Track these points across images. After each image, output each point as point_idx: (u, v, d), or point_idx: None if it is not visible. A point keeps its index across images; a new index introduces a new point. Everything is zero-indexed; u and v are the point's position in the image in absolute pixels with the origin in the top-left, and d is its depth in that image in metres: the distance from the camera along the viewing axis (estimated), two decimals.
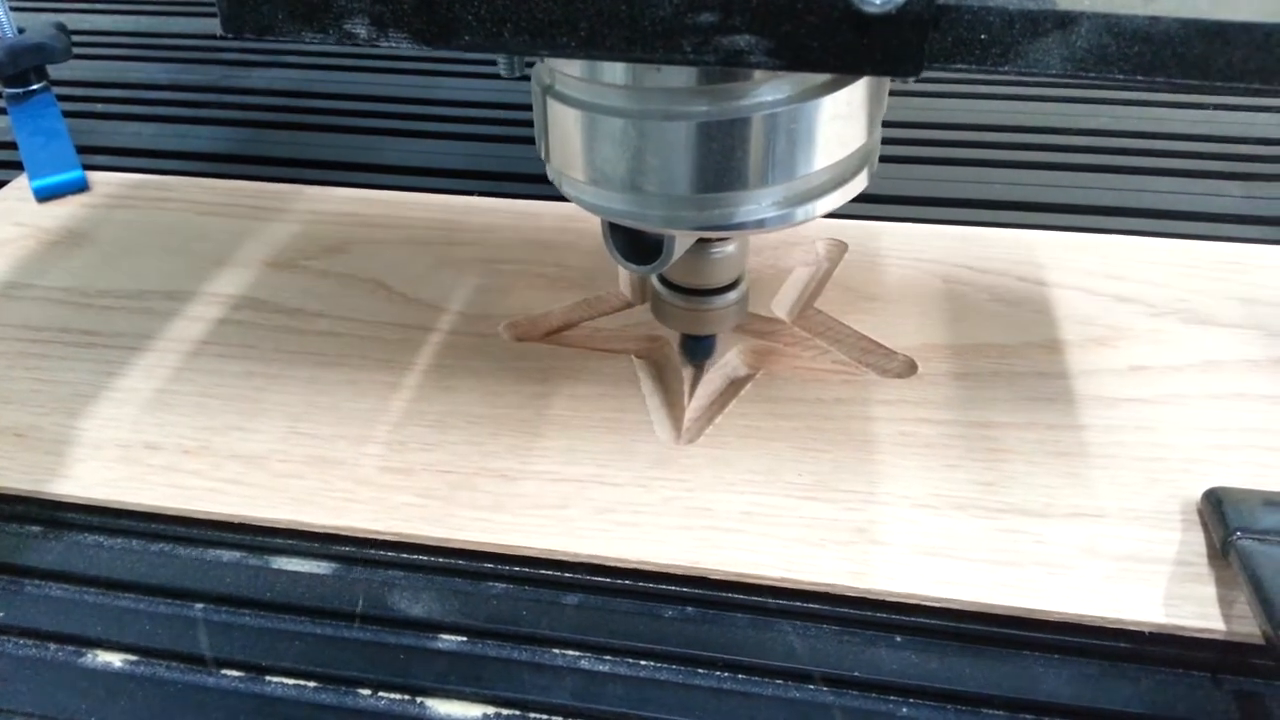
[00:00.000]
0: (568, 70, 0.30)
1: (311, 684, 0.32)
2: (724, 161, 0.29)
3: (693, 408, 0.39)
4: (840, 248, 0.47)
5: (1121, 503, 0.34)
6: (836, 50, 0.25)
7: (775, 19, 0.25)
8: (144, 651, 0.33)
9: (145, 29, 0.76)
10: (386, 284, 0.46)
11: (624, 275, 0.46)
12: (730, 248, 0.36)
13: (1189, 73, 0.25)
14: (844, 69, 0.26)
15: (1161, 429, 0.37)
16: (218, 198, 0.53)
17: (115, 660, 0.33)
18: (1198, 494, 0.34)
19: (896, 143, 0.58)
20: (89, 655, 0.33)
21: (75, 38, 0.61)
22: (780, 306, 0.44)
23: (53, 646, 0.33)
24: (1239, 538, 0.31)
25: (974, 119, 0.60)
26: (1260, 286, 0.44)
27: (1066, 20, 0.24)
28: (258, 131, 0.62)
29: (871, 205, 0.52)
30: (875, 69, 0.25)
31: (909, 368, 0.40)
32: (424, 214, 0.51)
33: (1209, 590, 0.32)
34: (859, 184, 0.32)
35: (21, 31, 0.57)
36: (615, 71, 0.29)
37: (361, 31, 0.27)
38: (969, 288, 0.45)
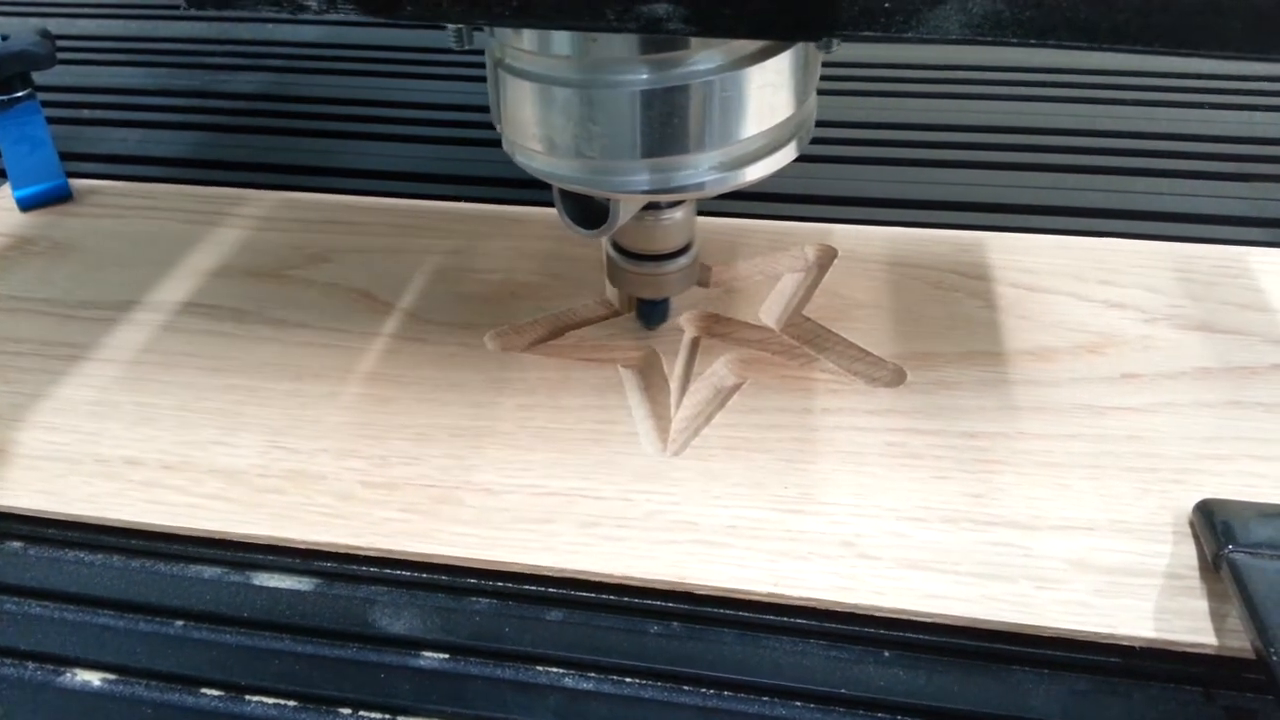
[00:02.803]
0: (517, 43, 0.32)
1: (291, 703, 0.32)
2: (664, 127, 0.31)
3: (679, 418, 0.39)
4: (829, 253, 0.47)
5: (1112, 515, 0.34)
6: (744, 16, 0.27)
7: None
8: (123, 670, 0.33)
9: (130, 34, 0.76)
10: (371, 293, 0.46)
11: (610, 285, 0.46)
12: (679, 213, 0.38)
13: (1078, 35, 0.26)
14: (756, 34, 0.28)
15: (1153, 438, 0.37)
16: (202, 205, 0.53)
17: (94, 679, 0.32)
18: (1189, 505, 0.34)
19: (886, 144, 0.57)
20: (67, 674, 0.33)
21: (60, 43, 0.61)
22: (768, 314, 0.44)
23: (31, 665, 0.33)
24: (1231, 551, 0.31)
25: (964, 120, 0.59)
26: (1255, 291, 0.44)
27: None
28: (244, 137, 0.62)
29: (861, 209, 0.51)
30: (784, 34, 0.28)
31: (898, 376, 0.40)
32: (410, 220, 0.51)
33: (1201, 604, 0.31)
34: (790, 152, 0.35)
35: (5, 38, 0.56)
36: (561, 43, 0.31)
37: (312, 3, 0.28)
38: (959, 294, 0.44)
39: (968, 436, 0.37)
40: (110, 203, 0.53)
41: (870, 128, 0.59)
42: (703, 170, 0.33)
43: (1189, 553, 0.33)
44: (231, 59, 0.72)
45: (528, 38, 0.32)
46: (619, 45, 0.31)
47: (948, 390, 0.39)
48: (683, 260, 0.39)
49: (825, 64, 0.65)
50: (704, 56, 0.31)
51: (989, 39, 0.26)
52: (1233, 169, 0.54)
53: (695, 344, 0.42)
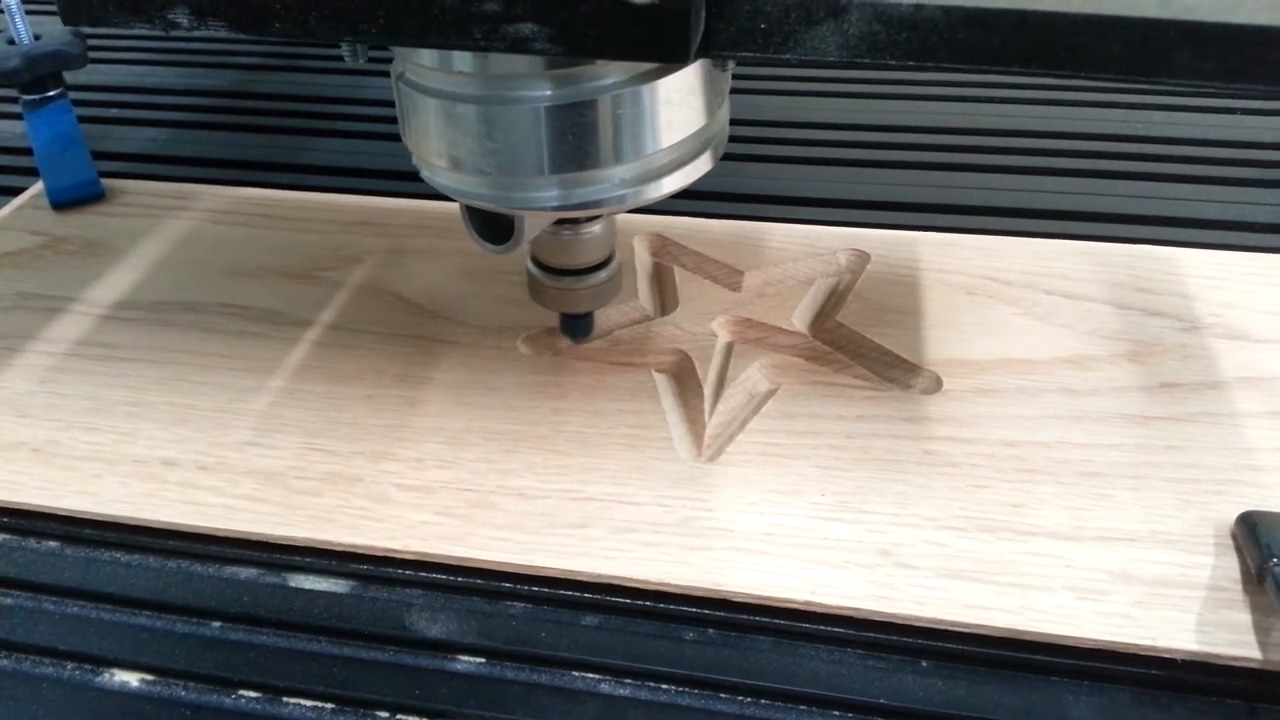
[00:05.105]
0: (416, 58, 0.32)
1: (329, 706, 0.32)
2: (567, 143, 0.31)
3: (713, 424, 0.39)
4: (862, 258, 0.47)
5: (1153, 525, 0.34)
6: (611, 38, 0.27)
7: (553, 8, 0.27)
8: (161, 671, 0.33)
9: (161, 34, 0.76)
10: (403, 295, 0.46)
11: (643, 289, 0.46)
12: (596, 228, 0.37)
13: (956, 58, 0.26)
14: (619, 56, 0.28)
15: (1194, 449, 0.37)
16: (234, 206, 0.53)
17: (132, 679, 0.33)
18: (1231, 516, 0.34)
19: (919, 148, 0.57)
20: (105, 674, 0.33)
21: (91, 42, 0.61)
22: (801, 319, 0.44)
23: (69, 665, 0.33)
24: (1276, 564, 0.31)
25: (996, 124, 0.59)
26: None
27: (838, 9, 0.26)
28: (275, 137, 0.62)
29: (894, 214, 0.51)
30: (647, 56, 0.28)
31: (934, 383, 0.40)
32: (441, 223, 0.51)
33: (1244, 617, 0.31)
34: (704, 164, 0.34)
35: (38, 38, 0.57)
36: (458, 59, 0.31)
37: (183, 20, 0.29)
38: (993, 300, 0.44)
39: (1006, 445, 0.37)
40: (142, 202, 0.54)
41: (896, 131, 0.59)
42: (610, 186, 0.32)
43: (1232, 565, 0.33)
44: (262, 59, 0.72)
45: (426, 53, 0.32)
46: (517, 61, 0.30)
47: (985, 398, 0.39)
48: (602, 274, 0.39)
49: (851, 66, 0.65)
50: (606, 72, 0.30)
51: (867, 61, 0.27)
52: (1264, 175, 0.53)
53: (729, 349, 0.42)
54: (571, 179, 0.32)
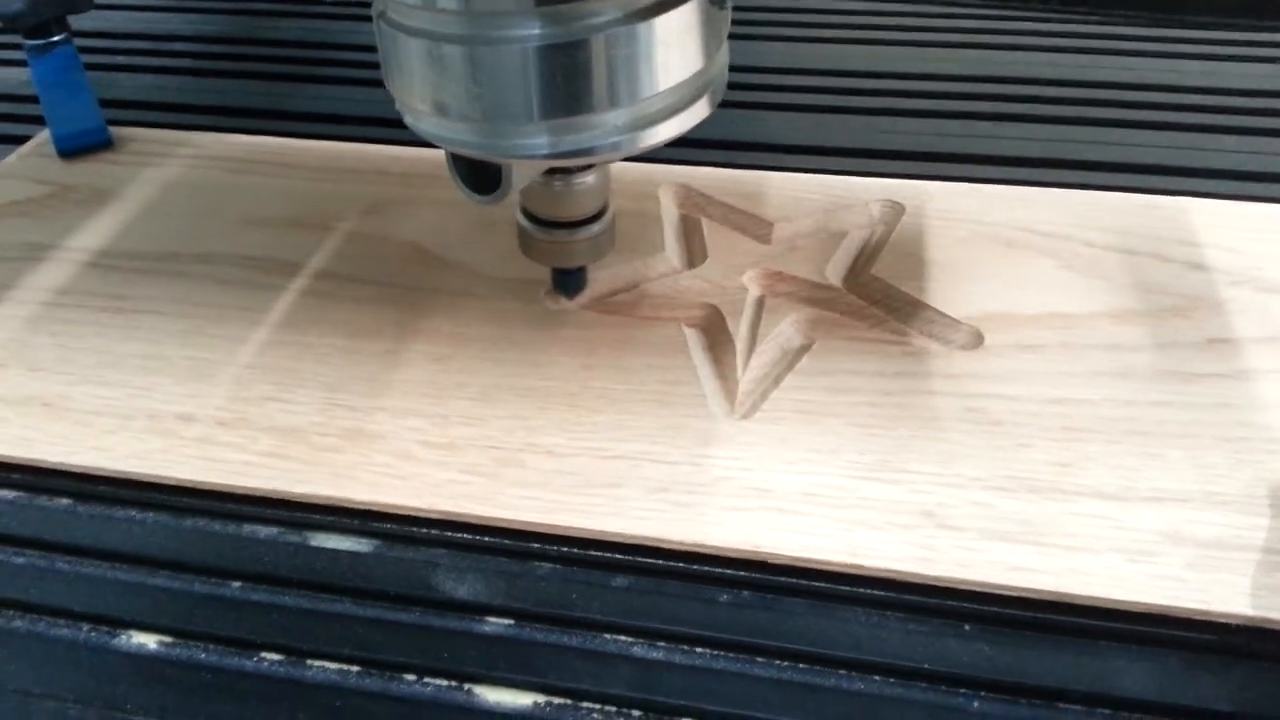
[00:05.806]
0: None
1: (354, 668, 0.31)
2: (556, 87, 0.29)
3: (747, 380, 0.37)
4: (897, 210, 0.45)
5: (1205, 486, 0.33)
6: None
7: None
8: (180, 633, 0.32)
9: None
10: (422, 246, 0.44)
11: (670, 241, 0.44)
12: (589, 178, 0.36)
13: None
14: None
15: (1243, 406, 0.35)
16: (246, 154, 0.51)
17: (150, 641, 0.32)
18: None
19: (957, 97, 0.55)
20: (123, 636, 0.32)
21: None
22: (834, 273, 0.42)
23: (85, 627, 0.32)
24: None
25: (1036, 72, 0.57)
26: None
27: None
28: (287, 85, 0.60)
29: (929, 165, 0.50)
30: None
31: (975, 339, 0.38)
32: None
33: None
34: (701, 110, 0.32)
35: None
36: None
37: None
38: (1033, 253, 0.42)
39: (1051, 402, 0.35)
40: (151, 150, 0.52)
41: (930, 80, 0.57)
42: (603, 132, 0.31)
43: None
44: (274, 4, 0.70)
45: None
46: None
47: (1027, 354, 0.37)
48: (595, 227, 0.37)
49: (887, 14, 0.64)
50: (598, 10, 0.29)
51: None
52: None
53: (760, 303, 0.41)
54: (562, 125, 0.30)
